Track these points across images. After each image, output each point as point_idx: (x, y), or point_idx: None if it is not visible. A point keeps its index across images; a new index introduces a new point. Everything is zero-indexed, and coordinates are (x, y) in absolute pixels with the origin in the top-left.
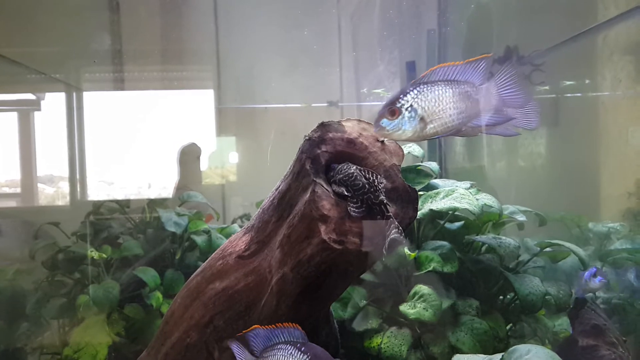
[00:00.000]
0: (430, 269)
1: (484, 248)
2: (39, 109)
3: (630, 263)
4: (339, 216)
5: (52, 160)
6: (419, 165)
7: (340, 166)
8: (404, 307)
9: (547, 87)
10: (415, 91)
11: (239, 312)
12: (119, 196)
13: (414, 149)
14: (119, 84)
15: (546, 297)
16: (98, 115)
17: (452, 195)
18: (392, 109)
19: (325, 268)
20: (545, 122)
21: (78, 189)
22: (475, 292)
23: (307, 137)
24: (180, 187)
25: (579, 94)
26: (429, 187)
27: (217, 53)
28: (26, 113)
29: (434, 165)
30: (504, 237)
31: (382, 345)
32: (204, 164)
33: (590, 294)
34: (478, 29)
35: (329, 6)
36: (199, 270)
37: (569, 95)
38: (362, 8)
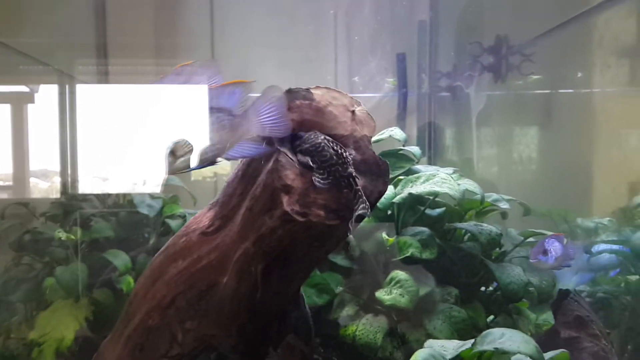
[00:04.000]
0: (408, 254)
1: (467, 237)
2: (33, 102)
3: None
4: (303, 187)
5: (46, 154)
6: (401, 149)
7: (307, 135)
8: (380, 294)
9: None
10: None
11: (201, 291)
12: (113, 192)
13: (395, 132)
14: (112, 77)
15: (529, 288)
16: (92, 110)
17: (433, 179)
18: None
19: (289, 242)
20: (537, 117)
21: (69, 184)
22: (456, 280)
23: None
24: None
25: (570, 90)
26: (410, 172)
27: (212, 47)
28: (19, 106)
29: (415, 150)
30: (485, 225)
31: (357, 333)
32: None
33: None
34: (470, 18)
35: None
36: (162, 248)
37: (562, 91)
38: (357, 1)
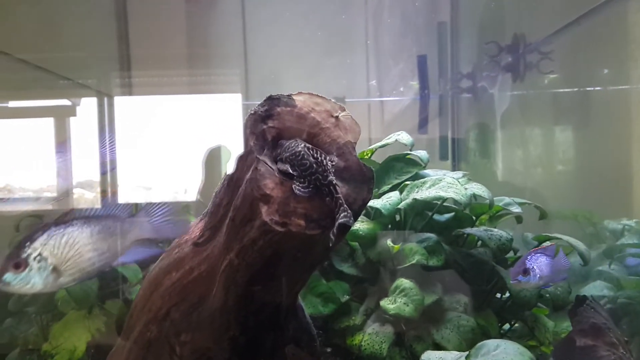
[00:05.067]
0: (413, 261)
1: (479, 242)
2: (75, 115)
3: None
4: (283, 196)
5: (90, 165)
6: (408, 154)
7: (287, 143)
8: (385, 302)
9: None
10: (45, 236)
11: (193, 303)
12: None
13: (402, 137)
14: (149, 89)
15: (544, 294)
16: (131, 121)
17: (439, 184)
18: (17, 262)
19: (271, 253)
20: (564, 116)
21: (109, 193)
22: (468, 288)
23: (252, 112)
24: (204, 192)
25: (598, 88)
26: (418, 177)
27: (245, 56)
28: (62, 119)
29: (423, 154)
30: (495, 229)
31: (363, 343)
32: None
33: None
34: (491, 17)
35: (356, 4)
36: (159, 259)
37: (592, 88)
38: (384, 4)
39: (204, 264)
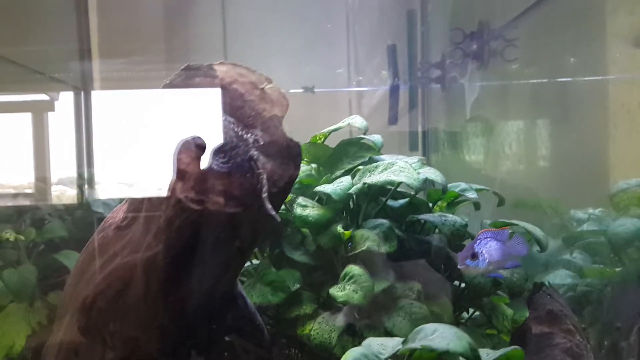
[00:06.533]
0: (364, 248)
1: (437, 229)
2: (53, 110)
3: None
4: (200, 172)
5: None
6: (362, 138)
7: None
8: (334, 290)
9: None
10: None
11: (118, 291)
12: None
13: (356, 120)
14: (126, 83)
15: (500, 282)
16: (111, 116)
17: (391, 168)
18: None
19: (190, 234)
20: (536, 107)
21: (86, 189)
22: (423, 275)
23: (167, 82)
24: None
25: (564, 79)
26: (372, 162)
27: (224, 49)
28: (40, 114)
29: (377, 139)
30: (450, 215)
31: (312, 332)
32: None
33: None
34: (461, 4)
35: None
36: (86, 244)
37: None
38: None
39: (126, 248)
